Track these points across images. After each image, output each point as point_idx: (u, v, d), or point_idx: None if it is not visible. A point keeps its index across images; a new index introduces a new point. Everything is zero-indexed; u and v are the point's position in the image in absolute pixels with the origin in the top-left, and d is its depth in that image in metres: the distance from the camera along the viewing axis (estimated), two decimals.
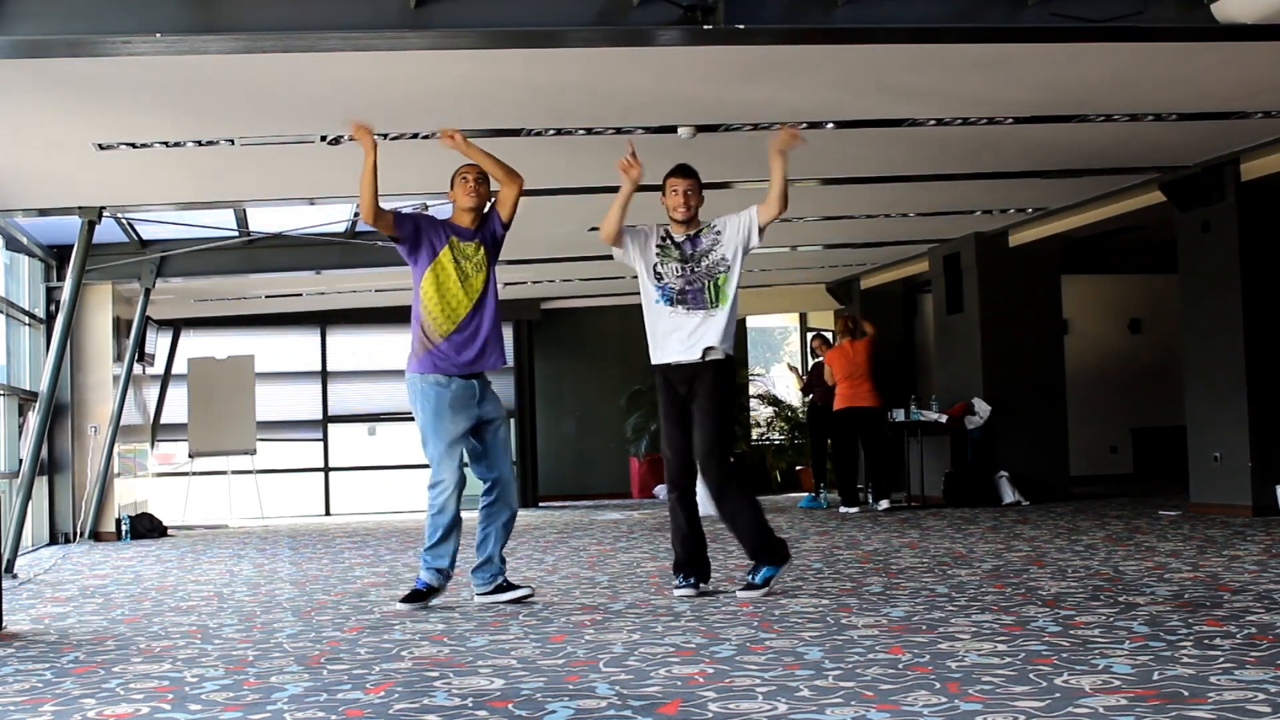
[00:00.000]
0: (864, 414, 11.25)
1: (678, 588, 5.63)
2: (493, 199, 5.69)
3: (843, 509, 11.13)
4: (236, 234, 10.85)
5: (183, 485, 14.01)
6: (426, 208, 8.98)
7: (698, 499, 5.72)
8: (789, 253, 12.48)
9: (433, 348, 5.45)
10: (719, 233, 5.71)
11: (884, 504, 11.00)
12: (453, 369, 5.46)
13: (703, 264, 5.63)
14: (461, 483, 5.51)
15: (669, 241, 5.72)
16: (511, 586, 5.58)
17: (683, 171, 5.71)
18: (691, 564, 5.65)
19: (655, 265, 5.68)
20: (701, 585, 5.64)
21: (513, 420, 15.85)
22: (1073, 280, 13.43)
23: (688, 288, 5.61)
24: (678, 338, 5.59)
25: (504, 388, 15.98)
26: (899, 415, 11.67)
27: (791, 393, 16.49)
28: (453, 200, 5.64)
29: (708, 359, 5.54)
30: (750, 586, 5.47)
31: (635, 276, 5.81)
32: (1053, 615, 4.52)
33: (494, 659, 4.02)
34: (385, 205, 5.48)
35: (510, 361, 15.90)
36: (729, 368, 5.62)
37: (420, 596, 5.44)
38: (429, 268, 5.46)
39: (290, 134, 7.00)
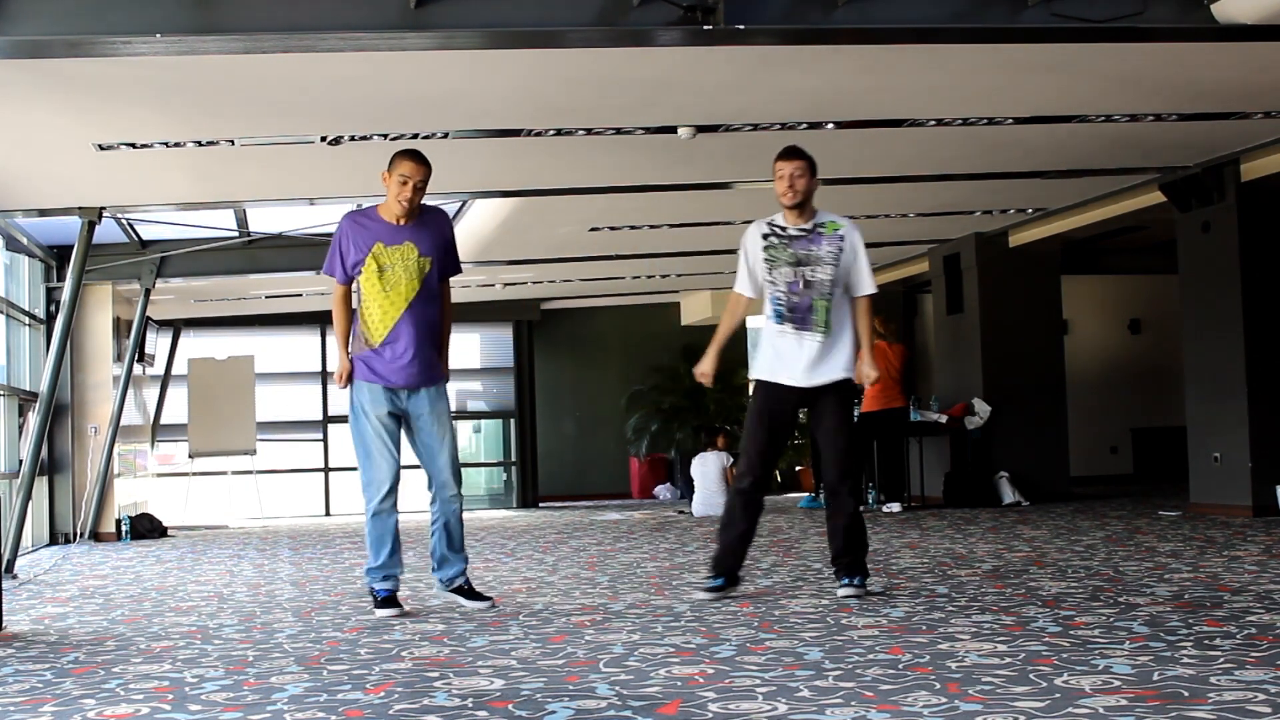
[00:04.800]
0: (892, 417, 11.18)
1: (702, 585, 5.45)
2: (449, 232, 5.42)
3: None
4: (236, 234, 10.86)
5: (183, 485, 14.01)
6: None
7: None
8: None
9: (363, 352, 5.27)
10: (842, 244, 5.36)
11: (895, 507, 10.95)
12: (377, 381, 5.25)
13: (816, 274, 5.29)
14: (394, 485, 5.28)
15: (778, 237, 5.37)
16: (472, 594, 5.40)
17: (789, 153, 5.35)
18: (732, 560, 5.44)
19: (764, 274, 5.35)
20: (726, 590, 5.40)
21: (513, 420, 15.87)
22: (1073, 280, 13.42)
23: (797, 301, 5.30)
24: (785, 360, 5.32)
25: (504, 388, 16.01)
26: (915, 415, 11.63)
27: None
28: (385, 188, 5.29)
29: (821, 383, 5.31)
30: (850, 586, 5.31)
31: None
32: (1053, 615, 4.52)
33: (494, 659, 4.02)
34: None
35: (510, 362, 15.93)
36: (848, 386, 5.39)
37: (390, 602, 5.28)
38: (360, 274, 5.28)
39: (290, 134, 7.00)
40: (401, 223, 5.30)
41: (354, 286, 5.37)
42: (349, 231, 5.30)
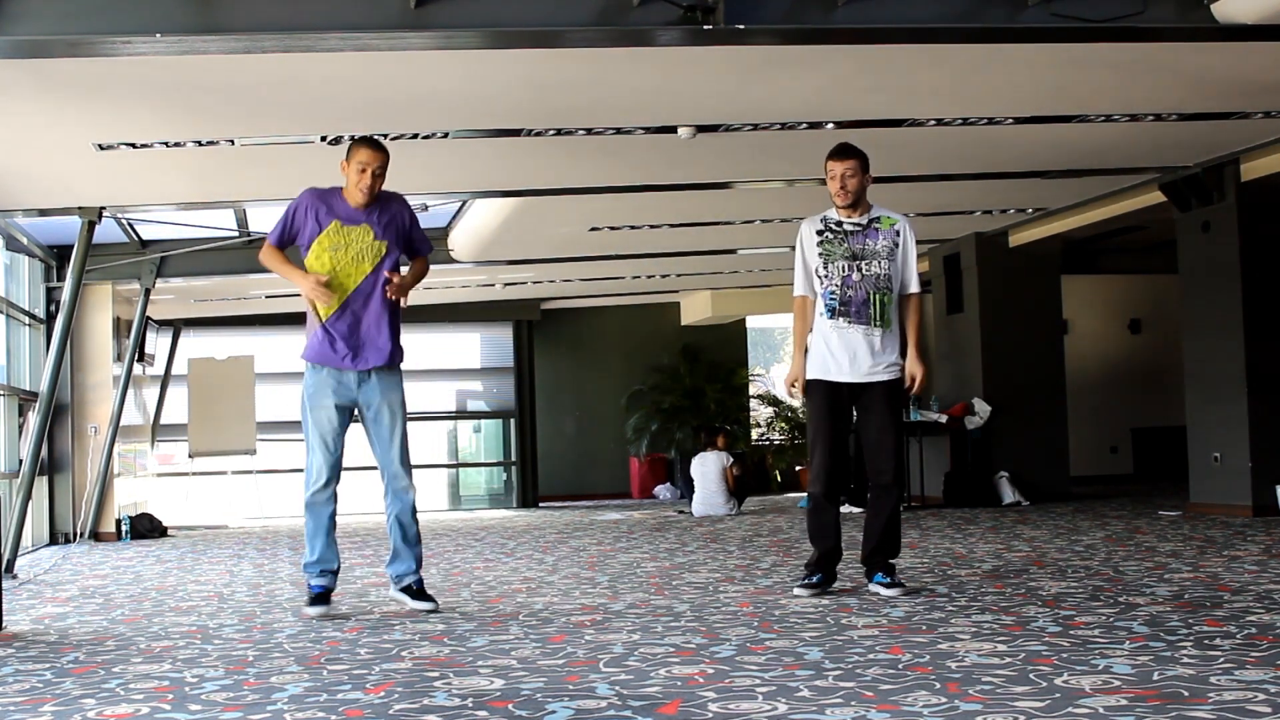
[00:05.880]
0: None
1: (801, 583, 5.38)
2: (407, 216, 5.43)
3: (845, 508, 11.11)
4: (236, 234, 10.86)
5: (183, 485, 14.01)
6: (426, 208, 8.99)
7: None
8: (789, 252, 12.46)
9: (318, 329, 5.27)
10: (898, 238, 5.35)
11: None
12: (328, 361, 5.28)
13: (873, 268, 5.29)
14: (331, 478, 5.34)
15: (833, 232, 5.36)
16: (419, 595, 5.35)
17: (840, 152, 5.37)
18: (828, 562, 5.40)
19: (818, 269, 5.35)
20: (825, 588, 5.37)
21: (513, 420, 15.87)
22: (1073, 280, 13.44)
23: (851, 294, 5.29)
24: (838, 355, 5.30)
25: (504, 388, 16.01)
26: (915, 415, 11.61)
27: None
28: (345, 177, 5.31)
29: (874, 379, 5.29)
30: (892, 585, 5.28)
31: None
32: (1053, 615, 4.52)
33: (494, 659, 4.02)
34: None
35: (510, 362, 15.94)
36: (899, 384, 5.36)
37: (321, 599, 5.31)
38: (311, 246, 5.26)
39: (290, 134, 7.00)
40: (363, 206, 5.31)
41: (305, 256, 5.34)
42: (309, 203, 5.29)
